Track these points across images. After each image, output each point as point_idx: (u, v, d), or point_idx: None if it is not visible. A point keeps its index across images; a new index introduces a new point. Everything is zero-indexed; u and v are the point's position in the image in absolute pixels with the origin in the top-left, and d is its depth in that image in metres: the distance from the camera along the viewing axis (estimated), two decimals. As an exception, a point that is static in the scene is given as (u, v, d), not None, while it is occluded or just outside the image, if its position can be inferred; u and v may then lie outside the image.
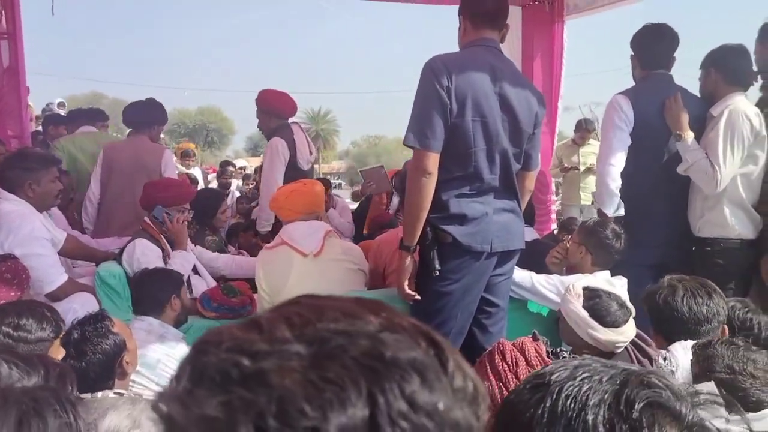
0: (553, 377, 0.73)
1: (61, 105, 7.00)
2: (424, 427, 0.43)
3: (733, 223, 2.92)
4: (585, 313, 2.06)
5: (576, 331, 2.10)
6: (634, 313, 2.10)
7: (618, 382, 0.70)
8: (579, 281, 2.13)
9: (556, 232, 5.32)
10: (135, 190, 3.79)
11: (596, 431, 0.66)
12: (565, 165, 6.70)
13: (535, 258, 2.98)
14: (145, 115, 4.12)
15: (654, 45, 3.11)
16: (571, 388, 0.70)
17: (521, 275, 2.66)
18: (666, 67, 3.12)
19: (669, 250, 2.98)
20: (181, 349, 2.42)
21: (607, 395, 0.68)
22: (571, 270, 2.87)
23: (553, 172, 6.22)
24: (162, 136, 7.89)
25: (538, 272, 2.79)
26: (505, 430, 0.78)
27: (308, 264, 2.77)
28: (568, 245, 2.88)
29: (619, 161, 2.99)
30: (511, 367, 1.65)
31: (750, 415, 1.22)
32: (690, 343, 1.51)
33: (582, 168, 6.66)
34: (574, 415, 0.68)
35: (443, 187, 2.34)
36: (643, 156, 3.03)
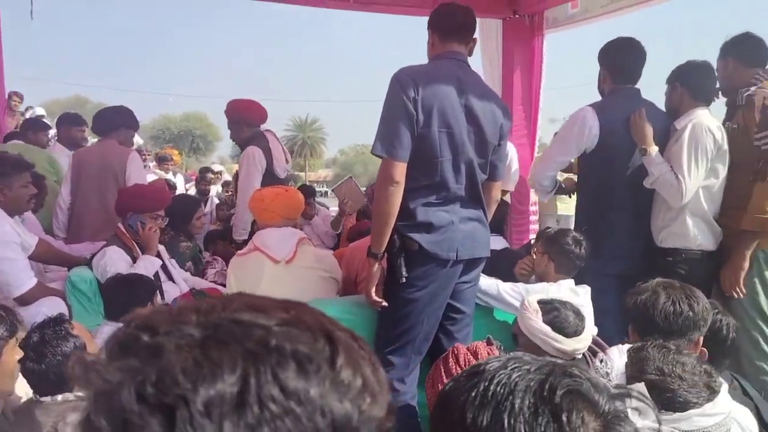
0: (488, 366, 0.79)
1: (40, 117, 6.94)
2: (292, 410, 0.47)
3: (695, 234, 3.00)
4: (548, 328, 2.10)
5: (541, 346, 2.12)
6: (589, 319, 2.13)
7: (544, 372, 0.76)
8: (533, 295, 2.16)
9: (533, 242, 5.35)
10: (103, 193, 3.81)
11: (521, 413, 0.72)
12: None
13: (503, 266, 3.03)
14: (112, 120, 4.11)
15: (625, 59, 3.17)
16: (502, 376, 0.76)
17: (487, 283, 2.71)
18: (635, 81, 3.19)
19: (632, 260, 3.04)
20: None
21: (533, 383, 0.74)
22: (540, 279, 2.92)
23: (532, 182, 6.28)
24: (141, 141, 7.85)
25: (507, 280, 2.84)
26: (441, 416, 0.83)
27: (280, 270, 2.79)
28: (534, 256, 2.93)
29: (557, 168, 3.28)
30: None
31: (676, 414, 1.27)
32: (626, 347, 1.56)
33: (560, 178, 6.72)
34: (503, 398, 0.73)
35: (410, 195, 2.38)
36: (609, 168, 3.10)
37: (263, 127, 4.34)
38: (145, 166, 5.84)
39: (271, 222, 2.95)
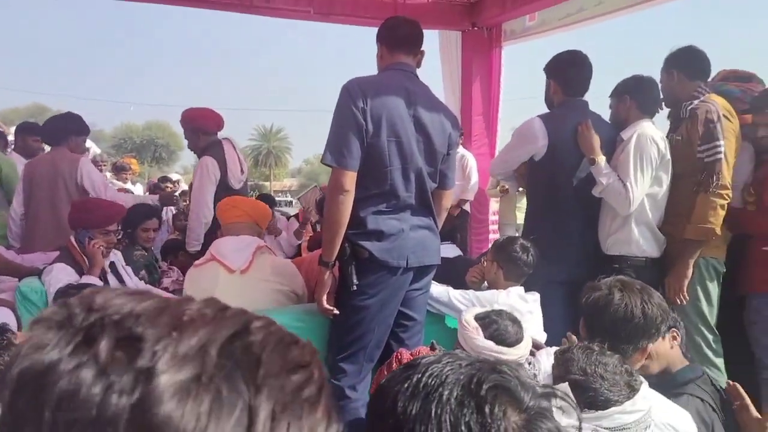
0: (423, 361, 0.83)
1: None
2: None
3: (640, 241, 3.09)
4: (491, 343, 2.08)
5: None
6: (538, 324, 2.16)
7: (475, 367, 0.80)
8: (469, 313, 2.17)
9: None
10: (54, 202, 3.78)
11: (448, 404, 0.76)
12: (503, 185, 6.88)
13: (456, 274, 3.08)
14: (60, 128, 4.05)
15: (576, 72, 3.27)
16: (434, 368, 0.80)
17: (438, 290, 2.75)
18: (583, 94, 3.29)
19: (579, 267, 3.12)
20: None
21: (462, 376, 0.78)
22: (490, 286, 2.97)
23: (491, 192, 6.37)
24: (98, 150, 7.68)
25: (459, 288, 2.89)
26: (375, 406, 0.86)
27: (234, 281, 2.72)
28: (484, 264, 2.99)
29: (506, 168, 3.43)
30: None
31: (599, 412, 1.33)
32: (554, 349, 1.61)
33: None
34: (432, 390, 0.77)
35: (361, 204, 2.41)
36: (557, 178, 3.19)
37: (222, 135, 4.30)
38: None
39: (238, 220, 2.91)
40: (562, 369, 1.44)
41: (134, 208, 3.98)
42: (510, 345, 2.08)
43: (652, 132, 3.11)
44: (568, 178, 3.18)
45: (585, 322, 2.09)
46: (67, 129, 4.05)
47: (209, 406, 0.46)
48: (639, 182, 3.05)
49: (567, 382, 1.27)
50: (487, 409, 0.75)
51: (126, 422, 0.45)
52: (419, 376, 0.80)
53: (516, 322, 2.10)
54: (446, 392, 0.77)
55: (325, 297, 2.45)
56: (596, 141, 3.10)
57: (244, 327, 0.53)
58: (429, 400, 0.77)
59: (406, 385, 0.80)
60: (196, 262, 2.94)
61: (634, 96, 3.23)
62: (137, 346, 0.48)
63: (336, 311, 2.47)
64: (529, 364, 1.49)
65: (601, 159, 3.09)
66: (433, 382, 0.78)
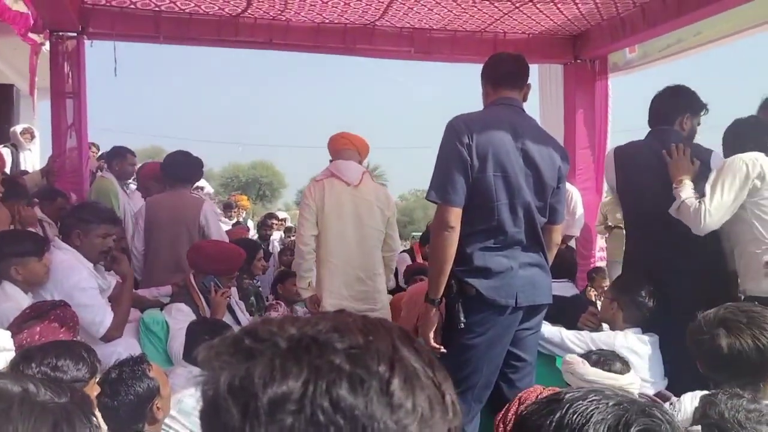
0: (567, 396, 0.82)
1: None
2: (336, 422, 0.54)
3: None
4: (599, 371, 2.11)
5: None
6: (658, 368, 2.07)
7: (623, 407, 0.77)
8: (569, 354, 2.13)
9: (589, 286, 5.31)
10: (174, 245, 3.93)
11: None
12: (609, 223, 6.58)
13: (571, 314, 2.95)
14: (184, 172, 4.26)
15: (656, 104, 3.09)
16: (579, 406, 0.78)
17: (551, 330, 2.65)
18: (669, 123, 3.03)
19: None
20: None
21: (609, 416, 0.75)
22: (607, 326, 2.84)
23: (599, 228, 6.12)
24: (212, 189, 8.14)
25: (574, 329, 2.77)
26: None
27: (350, 191, 3.31)
28: (596, 312, 2.87)
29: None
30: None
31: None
32: (700, 393, 1.49)
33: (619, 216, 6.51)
34: (577, 427, 0.75)
35: (467, 240, 2.39)
36: (628, 207, 3.11)
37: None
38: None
39: (345, 147, 3.49)
40: (701, 412, 1.34)
41: (242, 243, 4.18)
42: (619, 371, 2.01)
43: (751, 156, 2.75)
44: (637, 208, 3.02)
45: (701, 364, 1.90)
46: (188, 172, 4.27)
47: None
48: (716, 197, 2.67)
49: (700, 426, 1.18)
50: None
51: None
52: (562, 412, 0.78)
53: (616, 354, 2.05)
54: (591, 431, 0.75)
55: (432, 334, 2.42)
56: (681, 165, 2.80)
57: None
58: None
59: (548, 421, 0.78)
60: (317, 177, 3.49)
61: (725, 144, 3.02)
62: None
63: (443, 349, 2.43)
64: (670, 404, 1.39)
65: (687, 180, 2.78)
66: (578, 420, 0.76)
